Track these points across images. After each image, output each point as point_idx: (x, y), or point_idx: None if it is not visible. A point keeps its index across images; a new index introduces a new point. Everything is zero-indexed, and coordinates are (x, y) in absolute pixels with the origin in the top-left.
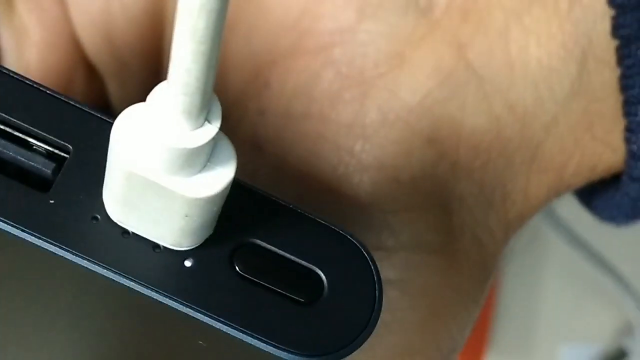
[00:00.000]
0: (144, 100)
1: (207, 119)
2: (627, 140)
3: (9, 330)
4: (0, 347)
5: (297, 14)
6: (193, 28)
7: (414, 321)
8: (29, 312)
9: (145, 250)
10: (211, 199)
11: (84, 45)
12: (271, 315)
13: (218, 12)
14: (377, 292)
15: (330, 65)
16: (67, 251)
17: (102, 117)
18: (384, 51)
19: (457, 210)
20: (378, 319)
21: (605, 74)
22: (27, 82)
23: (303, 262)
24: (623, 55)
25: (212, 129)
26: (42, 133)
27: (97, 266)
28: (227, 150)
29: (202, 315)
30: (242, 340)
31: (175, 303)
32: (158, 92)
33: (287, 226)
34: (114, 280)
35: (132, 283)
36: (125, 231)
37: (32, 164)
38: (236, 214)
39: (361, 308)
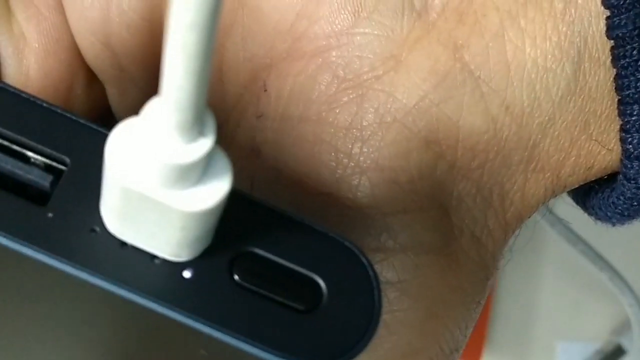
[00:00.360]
0: (143, 106)
1: (201, 133)
2: (623, 140)
3: (8, 341)
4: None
5: (292, 17)
6: (184, 45)
7: (415, 322)
8: (29, 324)
9: (144, 261)
10: (207, 212)
11: (83, 52)
12: (271, 324)
13: (209, 28)
14: (376, 297)
15: (327, 68)
16: (67, 264)
17: (99, 129)
18: (380, 54)
19: (456, 211)
20: (378, 325)
21: (601, 74)
22: (23, 95)
23: (302, 270)
24: (618, 56)
25: (206, 143)
26: (40, 146)
27: (96, 278)
28: (222, 162)
29: (202, 325)
30: (243, 349)
31: (175, 313)
32: (151, 107)
33: (285, 234)
34: (113, 292)
35: (131, 294)
36: (123, 243)
37: (30, 177)
38: (234, 223)
39: (361, 314)
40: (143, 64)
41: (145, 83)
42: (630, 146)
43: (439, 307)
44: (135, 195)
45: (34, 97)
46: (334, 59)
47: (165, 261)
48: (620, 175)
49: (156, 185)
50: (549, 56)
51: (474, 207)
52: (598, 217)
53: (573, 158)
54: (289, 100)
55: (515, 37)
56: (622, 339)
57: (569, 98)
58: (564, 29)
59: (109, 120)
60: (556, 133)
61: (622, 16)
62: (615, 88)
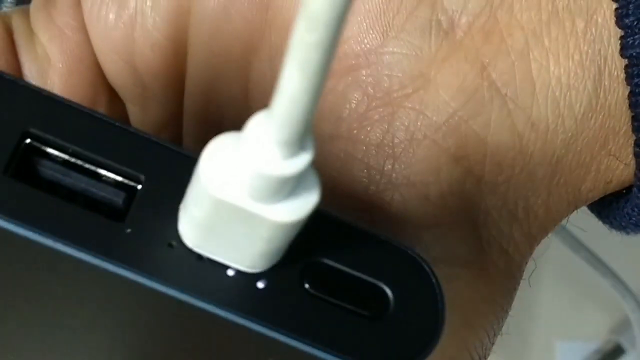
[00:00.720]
0: (164, 123)
1: (302, 148)
2: (637, 155)
3: (75, 353)
4: None
5: None
6: (306, 62)
7: (448, 331)
8: (100, 336)
9: (220, 274)
10: (296, 223)
11: (106, 70)
12: (341, 331)
13: (332, 47)
14: (440, 305)
15: (357, 87)
16: (147, 277)
17: (170, 146)
18: (409, 72)
19: (484, 224)
20: (442, 331)
21: (619, 91)
22: (96, 115)
23: (368, 278)
24: (632, 74)
25: (306, 157)
26: (114, 164)
27: (174, 290)
28: (312, 175)
29: (276, 334)
30: (314, 355)
31: (251, 323)
32: (257, 121)
33: (351, 244)
34: (191, 303)
35: (208, 305)
36: (199, 257)
37: (104, 194)
38: (303, 235)
39: (426, 321)
40: (166, 82)
41: (167, 100)
42: None
43: (472, 316)
44: (226, 207)
45: (106, 116)
46: (363, 77)
47: (240, 272)
48: (635, 188)
49: (250, 197)
50: (572, 74)
51: (500, 221)
52: (613, 227)
53: (593, 173)
54: (320, 118)
55: (540, 55)
56: (621, 338)
57: (590, 115)
58: (585, 47)
59: None
60: (578, 149)
61: (635, 36)
62: (629, 105)
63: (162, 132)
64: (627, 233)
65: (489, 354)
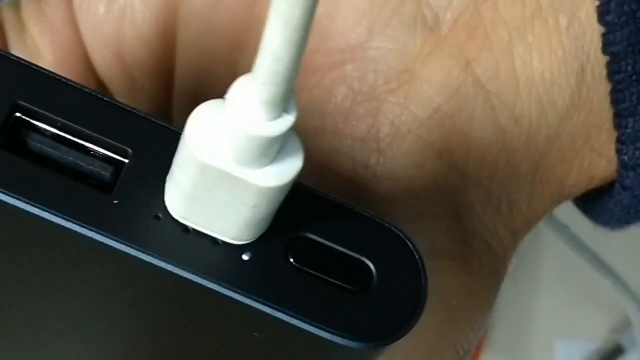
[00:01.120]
0: None
1: (285, 110)
2: (619, 152)
3: (65, 325)
4: (58, 340)
5: None
6: (289, 17)
7: (432, 324)
8: (86, 307)
9: (205, 245)
10: (281, 189)
11: (95, 64)
12: (325, 303)
13: (313, 1)
14: (422, 280)
15: (343, 82)
16: (133, 248)
17: (158, 122)
18: (394, 67)
19: (468, 218)
20: (425, 305)
21: (602, 87)
22: (85, 89)
23: (352, 254)
24: (613, 71)
25: (290, 118)
26: (102, 137)
27: (160, 261)
28: (295, 141)
29: (261, 305)
30: (298, 327)
31: (236, 294)
32: (239, 83)
33: (336, 220)
34: (176, 274)
35: (194, 276)
36: (186, 228)
37: (92, 167)
38: (287, 210)
39: (409, 295)
40: (154, 76)
41: (156, 94)
42: (626, 157)
43: (456, 309)
44: (212, 173)
45: (95, 91)
46: (349, 72)
47: (225, 244)
48: (617, 185)
49: (235, 162)
50: (555, 70)
51: (484, 215)
52: (597, 222)
53: (576, 169)
54: (306, 112)
55: (524, 51)
56: (621, 338)
57: (573, 111)
58: (568, 44)
59: None
60: (561, 145)
61: (616, 33)
62: (611, 101)
63: None
64: (612, 229)
65: (473, 349)
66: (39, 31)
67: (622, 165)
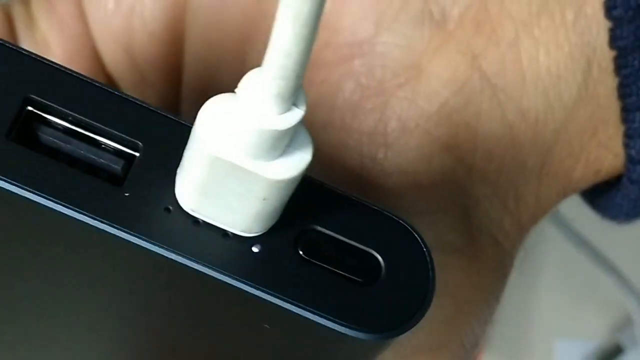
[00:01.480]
0: None
1: (295, 104)
2: (626, 146)
3: (74, 318)
4: (66, 333)
5: None
6: (297, 12)
7: (440, 318)
8: (96, 300)
9: (215, 237)
10: (291, 181)
11: (104, 59)
12: (334, 295)
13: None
14: (430, 272)
15: (350, 76)
16: (143, 239)
17: (168, 115)
18: (402, 62)
19: (475, 212)
20: (433, 298)
21: (608, 82)
22: (97, 84)
23: (361, 246)
24: (620, 65)
25: (299, 112)
26: (113, 131)
27: (171, 253)
28: (304, 134)
29: (271, 297)
30: (307, 319)
31: (246, 286)
32: (250, 77)
33: (344, 213)
34: (186, 266)
35: (204, 268)
36: (196, 220)
37: (103, 161)
38: (297, 203)
39: (417, 287)
40: (163, 71)
41: (165, 89)
42: (633, 151)
43: (463, 303)
44: (223, 166)
45: (107, 85)
46: (357, 67)
47: (235, 236)
48: (625, 179)
49: (246, 155)
50: (562, 65)
51: (491, 209)
52: (605, 216)
53: (583, 163)
54: (314, 107)
55: (530, 46)
56: (621, 337)
57: (579, 105)
58: (575, 38)
59: None
60: (568, 139)
61: (624, 28)
62: (618, 96)
63: None
64: (619, 223)
65: (480, 343)
66: (48, 26)
67: (630, 159)
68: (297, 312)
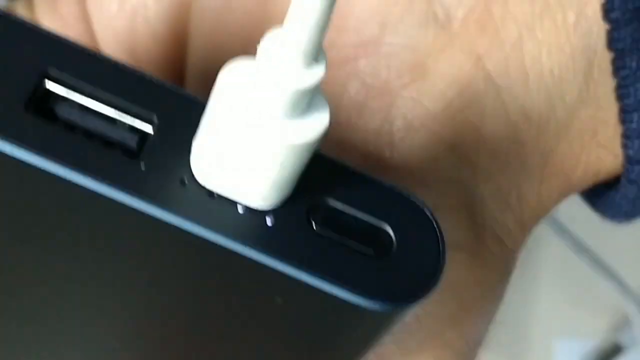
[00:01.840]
0: None
1: (316, 61)
2: (624, 146)
3: (86, 291)
4: (76, 309)
5: None
6: None
7: (444, 315)
8: (109, 272)
9: (230, 209)
10: (310, 145)
11: None
12: (347, 267)
13: None
14: (441, 247)
15: (356, 77)
16: (158, 209)
17: (182, 91)
18: (407, 62)
19: (479, 211)
20: (443, 271)
21: (608, 83)
22: (112, 60)
23: (372, 220)
24: (618, 67)
25: (321, 68)
26: (129, 106)
27: (186, 222)
28: (321, 97)
29: (284, 266)
30: (320, 289)
31: (260, 256)
32: (269, 38)
33: (356, 188)
34: (201, 236)
35: (219, 238)
36: (210, 193)
37: (119, 135)
38: (310, 178)
39: (428, 261)
40: (166, 73)
41: None
42: (631, 151)
43: (467, 300)
44: (243, 129)
45: (122, 62)
46: (362, 67)
47: (249, 209)
48: (623, 179)
49: (266, 116)
50: (563, 66)
51: (494, 208)
52: (605, 216)
53: (583, 164)
54: None
55: (533, 47)
56: (620, 336)
57: (581, 106)
58: (576, 40)
59: None
60: (569, 139)
61: (621, 30)
62: (616, 97)
63: None
64: (618, 223)
65: (482, 342)
66: (52, 27)
67: (628, 160)
68: (309, 282)
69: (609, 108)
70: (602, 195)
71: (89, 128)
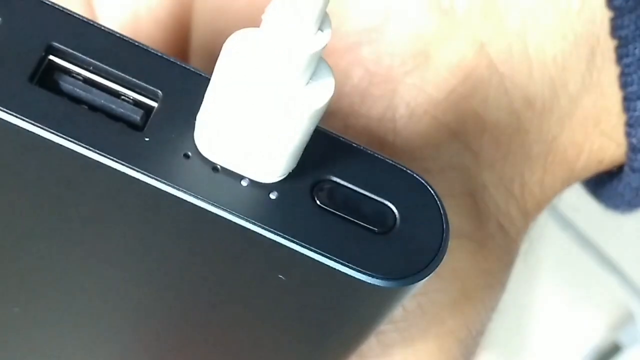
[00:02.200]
0: None
1: (321, 28)
2: (628, 134)
3: (91, 264)
4: (84, 273)
5: None
6: None
7: (446, 303)
8: (113, 246)
9: (234, 183)
10: (316, 113)
11: None
12: (350, 243)
13: None
14: (444, 223)
15: (359, 64)
16: (162, 182)
17: (187, 66)
18: (410, 50)
19: (481, 199)
20: (447, 247)
21: (611, 71)
22: (117, 34)
23: (376, 197)
24: (622, 55)
25: (328, 32)
26: (134, 80)
27: (190, 196)
28: (325, 64)
29: (289, 242)
30: (324, 264)
31: (264, 230)
32: (274, 5)
33: (360, 165)
34: (205, 209)
35: (222, 212)
36: (215, 167)
37: (123, 109)
38: (313, 154)
39: (431, 237)
40: None
41: None
42: (634, 139)
43: (469, 288)
44: (249, 98)
45: (126, 36)
46: (365, 54)
47: (253, 182)
48: (626, 167)
49: (272, 83)
50: (567, 54)
51: (497, 196)
52: (607, 206)
53: (586, 152)
54: None
55: (536, 35)
56: (620, 335)
57: (584, 94)
58: (579, 28)
59: None
60: (572, 128)
61: (624, 17)
62: (619, 85)
63: None
64: (621, 212)
65: (485, 331)
66: None
67: (631, 148)
68: (313, 257)
69: (612, 96)
70: (604, 184)
71: (94, 102)
